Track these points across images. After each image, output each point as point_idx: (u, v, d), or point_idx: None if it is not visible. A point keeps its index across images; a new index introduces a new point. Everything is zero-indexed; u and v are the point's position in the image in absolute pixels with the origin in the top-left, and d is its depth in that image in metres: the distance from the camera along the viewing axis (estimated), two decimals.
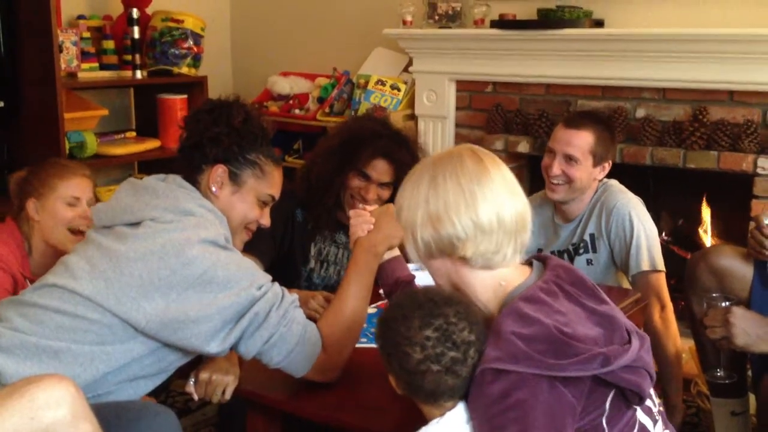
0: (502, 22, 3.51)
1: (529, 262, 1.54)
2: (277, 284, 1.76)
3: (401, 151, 2.44)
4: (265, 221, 1.92)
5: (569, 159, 2.62)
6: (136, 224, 1.71)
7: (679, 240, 3.53)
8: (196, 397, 1.86)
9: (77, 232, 2.28)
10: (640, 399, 1.41)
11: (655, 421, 1.47)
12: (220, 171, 1.83)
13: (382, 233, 1.87)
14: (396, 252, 1.95)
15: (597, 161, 2.64)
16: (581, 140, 2.62)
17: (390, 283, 1.91)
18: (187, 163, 1.86)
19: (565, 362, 1.30)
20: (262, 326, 1.68)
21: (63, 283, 1.67)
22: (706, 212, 3.55)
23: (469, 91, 3.80)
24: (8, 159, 3.34)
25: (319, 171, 2.45)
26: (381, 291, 2.02)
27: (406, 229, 1.50)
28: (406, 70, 4.01)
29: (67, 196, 2.27)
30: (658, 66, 3.24)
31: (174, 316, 1.63)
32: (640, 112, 3.36)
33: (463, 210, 1.42)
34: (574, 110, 3.41)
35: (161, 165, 3.88)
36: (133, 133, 3.91)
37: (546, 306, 1.38)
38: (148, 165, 3.97)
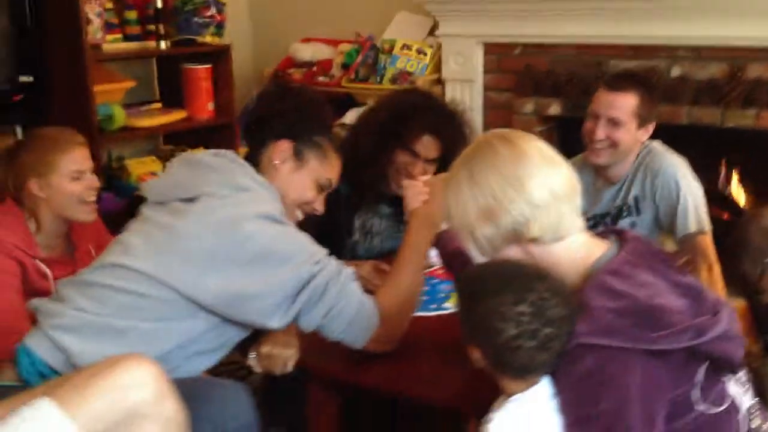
0: None
1: (604, 236, 1.51)
2: (333, 258, 1.75)
3: (448, 126, 2.42)
4: (320, 206, 1.91)
5: (613, 122, 2.57)
6: (191, 199, 1.70)
7: (714, 200, 3.49)
8: (259, 371, 1.86)
9: (86, 203, 2.23)
10: (732, 369, 1.39)
11: (745, 390, 1.45)
12: (285, 146, 1.82)
13: (437, 203, 1.85)
14: None
15: (641, 123, 2.60)
16: (625, 102, 2.57)
17: (449, 251, 1.89)
18: (251, 138, 1.86)
19: (657, 335, 1.29)
20: (321, 300, 1.68)
21: (122, 262, 1.66)
22: (739, 172, 3.53)
23: (497, 53, 3.74)
24: None
25: (365, 146, 2.42)
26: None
27: (464, 232, 1.47)
28: (431, 33, 3.96)
29: (70, 171, 2.20)
30: (693, 23, 3.18)
31: (235, 291, 1.62)
32: (675, 71, 3.30)
33: (514, 195, 1.40)
34: (614, 72, 3.34)
35: (187, 135, 3.87)
36: (159, 104, 3.87)
37: (631, 279, 1.36)
38: (174, 136, 3.95)
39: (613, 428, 1.27)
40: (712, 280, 2.58)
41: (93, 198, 2.24)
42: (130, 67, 3.87)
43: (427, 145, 2.41)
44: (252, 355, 1.86)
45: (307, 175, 1.85)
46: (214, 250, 1.62)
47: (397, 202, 2.55)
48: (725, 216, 3.49)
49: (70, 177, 2.20)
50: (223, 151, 1.83)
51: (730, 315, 1.39)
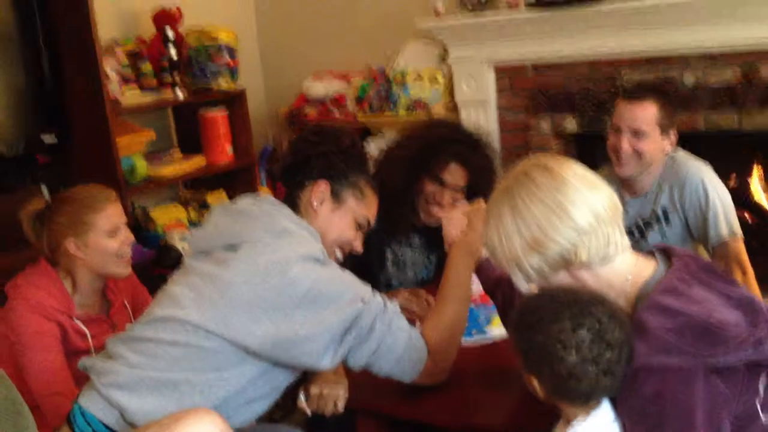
0: (539, 2, 3.47)
1: (651, 254, 1.51)
2: (378, 294, 1.76)
3: (476, 155, 2.46)
4: (358, 246, 1.93)
5: (637, 133, 2.59)
6: (233, 247, 1.72)
7: (739, 203, 3.49)
8: (309, 412, 1.87)
9: (122, 257, 2.25)
10: None
11: None
12: (323, 187, 1.85)
13: (476, 232, 1.86)
14: None
15: (663, 131, 2.61)
16: (646, 112, 2.59)
17: (491, 280, 1.90)
18: (288, 180, 1.88)
19: (718, 350, 1.28)
20: (368, 337, 1.69)
21: (171, 314, 1.68)
22: (760, 173, 3.52)
23: (508, 73, 3.77)
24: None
25: (395, 179, 2.44)
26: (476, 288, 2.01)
27: (510, 265, 1.46)
28: (442, 60, 3.99)
29: (106, 229, 2.21)
30: (703, 30, 3.20)
31: (284, 336, 1.63)
32: (689, 79, 3.32)
33: (558, 224, 1.40)
34: (628, 84, 3.37)
35: (207, 181, 3.91)
36: (178, 152, 3.91)
37: (685, 296, 1.36)
38: (194, 182, 3.98)
39: None
40: (748, 284, 2.58)
41: (129, 253, 2.27)
42: (147, 117, 3.92)
43: (455, 174, 2.44)
44: (302, 396, 1.87)
45: (345, 215, 1.87)
46: (260, 296, 1.63)
47: (427, 232, 2.58)
48: (750, 219, 3.49)
49: (106, 234, 2.21)
50: (261, 196, 1.85)
51: None
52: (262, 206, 1.79)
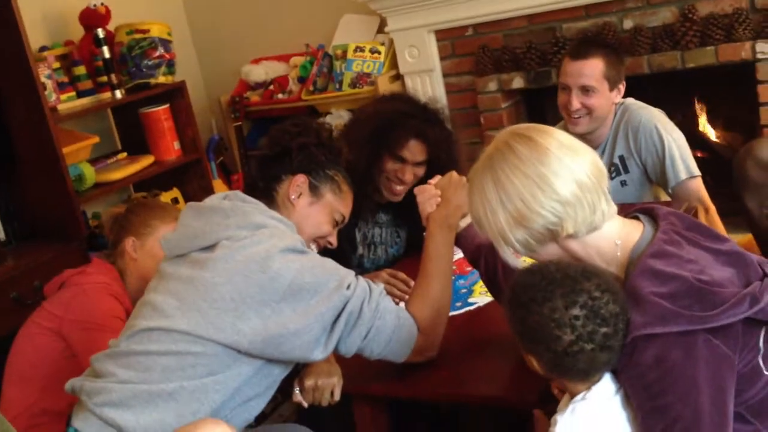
0: None
1: (634, 216, 1.50)
2: (362, 278, 1.74)
3: (434, 128, 2.43)
4: (334, 240, 1.91)
5: (585, 90, 2.61)
6: (210, 247, 1.68)
7: (690, 142, 3.55)
8: (305, 405, 1.85)
9: None
10: None
11: None
12: (301, 180, 1.82)
13: (452, 204, 1.86)
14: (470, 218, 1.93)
15: (612, 85, 2.63)
16: (592, 68, 2.60)
17: (471, 249, 1.89)
18: (266, 173, 1.85)
19: (714, 312, 1.27)
20: (357, 323, 1.68)
21: (156, 325, 1.64)
22: (699, 110, 3.59)
23: (450, 38, 3.76)
24: (13, 207, 3.24)
25: (355, 160, 2.40)
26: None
27: (496, 238, 1.44)
28: (380, 31, 3.96)
29: None
30: None
31: (274, 332, 1.61)
32: (628, 24, 3.35)
33: (542, 197, 1.38)
34: (568, 35, 3.38)
35: (158, 180, 3.82)
36: (124, 154, 3.81)
37: (675, 257, 1.35)
38: (145, 183, 3.89)
39: (683, 416, 1.26)
40: (711, 221, 2.63)
41: None
42: (87, 121, 3.80)
43: (414, 150, 2.42)
44: (297, 390, 1.85)
45: (322, 209, 1.85)
46: (243, 294, 1.60)
47: (392, 209, 2.57)
48: (702, 155, 3.55)
49: None
50: (231, 192, 1.81)
51: None
52: (234, 202, 1.75)
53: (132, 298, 2.27)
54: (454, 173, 1.90)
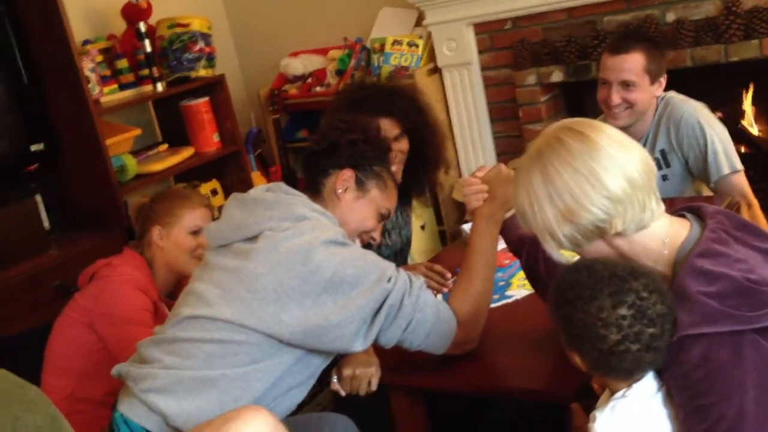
0: None
1: (681, 215, 1.48)
2: (402, 270, 1.75)
3: (394, 100, 2.45)
4: (377, 236, 1.92)
5: (626, 85, 2.58)
6: (253, 238, 1.70)
7: (733, 136, 3.50)
8: (343, 394, 1.87)
9: (198, 258, 2.30)
10: None
11: None
12: (348, 175, 1.84)
13: (498, 200, 1.85)
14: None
15: (653, 79, 2.60)
16: (633, 63, 2.58)
17: (514, 240, 1.89)
18: (314, 167, 1.87)
19: (763, 312, 1.25)
20: (398, 316, 1.69)
21: (200, 313, 1.66)
22: (748, 104, 3.53)
23: (488, 32, 3.74)
24: (57, 198, 3.31)
25: None
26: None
27: (542, 233, 1.42)
28: (418, 24, 3.96)
29: (191, 226, 2.32)
30: None
31: (315, 323, 1.62)
32: (670, 16, 3.31)
33: (592, 193, 1.36)
34: (609, 29, 3.35)
35: (198, 172, 3.87)
36: (165, 146, 3.86)
37: (724, 256, 1.33)
38: (185, 175, 3.94)
39: (726, 417, 1.25)
40: (754, 216, 2.60)
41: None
42: (129, 114, 3.86)
43: (385, 126, 2.38)
44: (335, 379, 1.87)
45: (368, 204, 1.86)
46: (285, 285, 1.62)
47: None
48: (745, 149, 3.51)
49: (189, 231, 2.32)
50: (274, 184, 1.83)
51: None
52: (277, 194, 1.77)
53: (160, 286, 2.33)
54: (502, 166, 1.88)
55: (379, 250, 2.58)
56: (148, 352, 1.70)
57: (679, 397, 1.31)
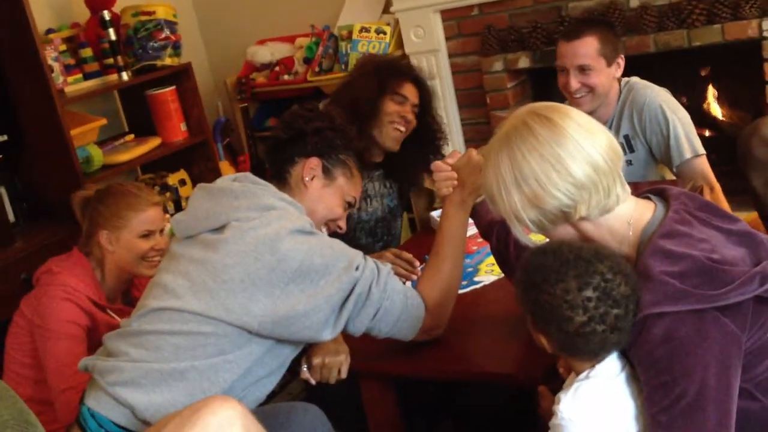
0: None
1: (646, 197, 1.50)
2: (369, 258, 1.76)
3: (423, 79, 2.67)
4: (343, 224, 1.93)
5: (582, 69, 2.62)
6: (220, 229, 1.70)
7: (696, 120, 3.55)
8: (313, 382, 1.88)
9: (151, 262, 2.26)
10: None
11: None
12: (315, 163, 1.85)
13: (468, 187, 1.86)
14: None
15: (609, 61, 2.64)
16: (587, 47, 2.61)
17: (484, 224, 1.91)
18: (280, 155, 1.87)
19: (723, 291, 1.28)
20: (366, 304, 1.70)
21: (167, 305, 1.66)
22: (711, 89, 3.58)
23: (455, 18, 3.74)
24: (22, 189, 3.27)
25: (361, 96, 2.56)
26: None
27: (509, 216, 1.45)
28: (385, 11, 3.95)
29: (141, 230, 2.24)
30: None
31: (284, 313, 1.63)
32: (634, 2, 3.33)
33: (557, 179, 1.38)
34: (568, 22, 3.37)
35: (165, 162, 3.84)
36: (131, 136, 3.82)
37: (687, 237, 1.35)
38: (152, 165, 3.90)
39: (688, 393, 1.28)
40: (716, 199, 2.64)
41: (158, 257, 2.25)
42: (94, 103, 3.82)
43: (410, 91, 2.61)
44: (304, 368, 1.87)
45: (335, 192, 1.87)
46: (253, 275, 1.62)
47: (384, 162, 2.66)
48: (706, 133, 3.56)
49: (139, 235, 2.24)
50: (241, 174, 1.83)
51: None
52: (244, 184, 1.77)
53: (110, 289, 2.27)
54: (472, 153, 1.88)
55: (359, 215, 2.62)
56: (115, 345, 1.69)
57: (643, 374, 1.34)
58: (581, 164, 1.38)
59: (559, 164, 1.38)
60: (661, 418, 1.30)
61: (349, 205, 1.92)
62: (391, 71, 2.61)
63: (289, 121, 1.91)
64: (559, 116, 1.42)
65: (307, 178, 1.84)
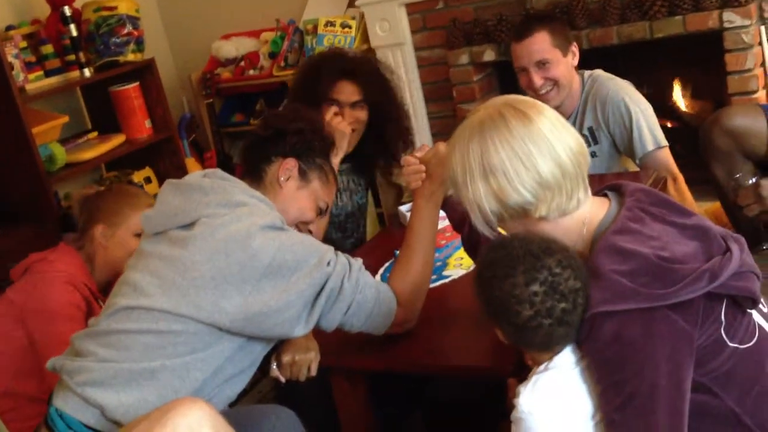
0: None
1: (603, 194, 1.52)
2: (341, 254, 1.75)
3: (360, 66, 2.53)
4: (314, 229, 1.92)
5: (541, 64, 2.66)
6: (189, 225, 1.68)
7: (659, 111, 3.59)
8: (282, 380, 1.87)
9: None
10: (753, 302, 1.39)
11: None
12: (291, 164, 1.84)
13: (437, 179, 1.86)
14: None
15: (564, 51, 2.69)
16: (540, 42, 2.66)
17: (456, 216, 1.91)
18: (257, 153, 1.86)
19: (673, 289, 1.29)
20: (339, 299, 1.69)
21: (136, 303, 1.64)
22: (668, 80, 3.63)
23: (420, 11, 3.75)
24: None
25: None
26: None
27: (470, 204, 1.45)
28: (351, 5, 3.94)
29: (136, 229, 2.26)
30: None
31: (255, 309, 1.62)
32: None
33: (524, 174, 1.39)
34: (533, 13, 3.39)
35: (130, 159, 3.80)
36: (95, 133, 3.77)
37: (638, 234, 1.36)
38: (117, 162, 3.86)
39: (639, 392, 1.29)
40: (679, 190, 2.68)
41: None
42: (56, 101, 3.76)
43: (345, 90, 2.49)
44: (274, 365, 1.87)
45: (309, 195, 1.87)
46: (224, 272, 1.61)
47: (349, 158, 2.61)
48: (671, 125, 3.60)
49: (134, 233, 2.27)
50: (211, 171, 1.82)
51: (742, 247, 1.39)
52: (214, 180, 1.76)
53: (99, 284, 2.29)
54: (440, 146, 1.87)
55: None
56: (83, 345, 1.67)
57: (595, 373, 1.35)
58: (550, 164, 1.39)
59: (529, 161, 1.39)
60: (614, 417, 1.31)
61: (321, 210, 1.91)
62: (320, 75, 2.50)
63: (270, 121, 1.91)
64: (535, 113, 1.43)
65: (282, 178, 1.83)
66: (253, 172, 1.85)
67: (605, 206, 1.47)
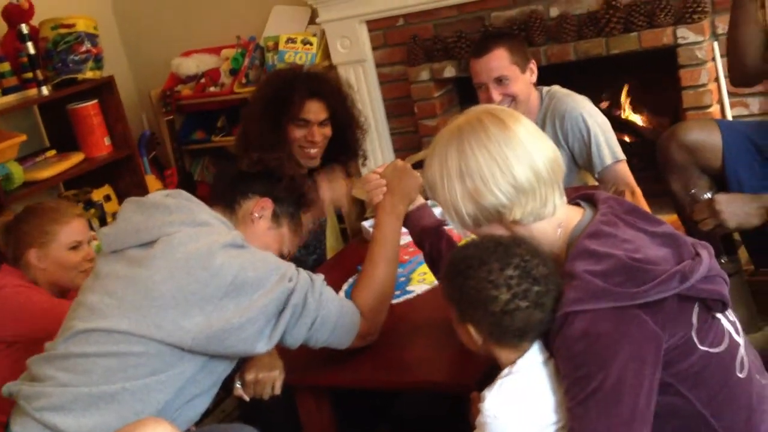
0: None
1: (576, 203, 1.55)
2: (302, 270, 1.76)
3: (325, 85, 2.61)
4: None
5: (500, 81, 2.69)
6: (149, 243, 1.66)
7: (616, 126, 3.65)
8: (246, 399, 1.86)
9: (84, 272, 2.25)
10: (723, 305, 1.42)
11: (736, 329, 1.48)
12: (268, 204, 1.84)
13: (398, 193, 1.90)
14: (420, 201, 1.96)
15: (522, 68, 2.73)
16: (498, 59, 2.70)
17: (417, 231, 1.93)
18: (238, 185, 1.86)
19: (644, 288, 1.32)
20: (303, 314, 1.69)
21: (94, 326, 1.61)
22: (625, 95, 3.70)
23: (381, 28, 3.77)
24: None
25: (258, 135, 2.52)
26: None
27: (447, 206, 1.48)
28: (311, 22, 3.95)
29: (69, 242, 2.24)
30: None
31: (218, 327, 1.60)
32: (554, 11, 3.41)
33: (499, 177, 1.42)
34: (476, 40, 3.42)
35: (89, 178, 3.76)
36: (53, 151, 3.73)
37: (611, 237, 1.39)
38: (76, 181, 3.81)
39: (603, 387, 1.31)
40: (637, 202, 2.71)
41: (89, 267, 2.23)
42: (12, 119, 3.71)
43: (314, 109, 2.56)
44: (238, 384, 1.85)
45: (276, 238, 1.87)
46: (185, 291, 1.59)
47: (313, 170, 2.64)
48: (629, 139, 3.66)
49: (67, 247, 2.25)
50: (174, 191, 1.80)
51: (710, 253, 1.43)
52: (178, 200, 1.74)
53: None
54: (398, 161, 1.95)
55: None
56: (40, 369, 1.63)
57: (562, 368, 1.38)
58: (525, 169, 1.42)
59: (505, 164, 1.42)
60: (577, 411, 1.34)
61: (282, 256, 1.90)
62: (291, 95, 2.53)
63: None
64: (512, 120, 1.47)
65: (255, 215, 1.83)
66: (226, 200, 1.84)
67: (580, 213, 1.51)
